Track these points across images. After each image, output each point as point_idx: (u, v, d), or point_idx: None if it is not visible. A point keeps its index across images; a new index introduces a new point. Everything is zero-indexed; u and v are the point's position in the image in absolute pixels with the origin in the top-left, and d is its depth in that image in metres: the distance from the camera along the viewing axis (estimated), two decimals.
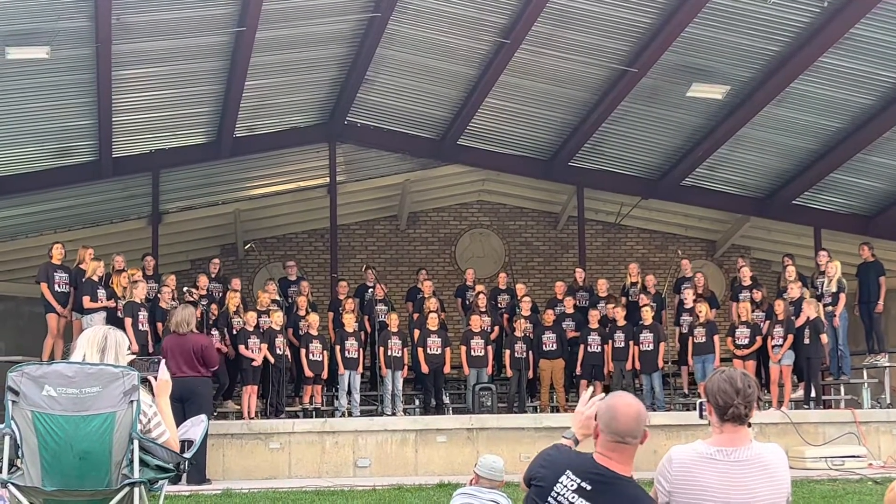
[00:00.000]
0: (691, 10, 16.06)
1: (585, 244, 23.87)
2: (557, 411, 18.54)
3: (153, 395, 5.74)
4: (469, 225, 25.11)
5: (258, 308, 17.91)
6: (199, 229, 23.57)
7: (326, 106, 21.52)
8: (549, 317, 19.26)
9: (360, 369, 18.29)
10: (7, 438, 5.42)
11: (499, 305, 20.38)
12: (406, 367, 18.52)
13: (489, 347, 18.69)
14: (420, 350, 18.35)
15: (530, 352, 18.86)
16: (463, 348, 18.67)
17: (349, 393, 17.87)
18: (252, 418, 16.64)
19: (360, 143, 22.75)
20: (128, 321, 16.20)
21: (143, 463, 5.49)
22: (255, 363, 16.95)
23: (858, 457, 15.86)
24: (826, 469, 15.26)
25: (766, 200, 22.97)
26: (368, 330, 19.18)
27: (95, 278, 16.85)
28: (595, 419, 4.81)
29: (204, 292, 18.21)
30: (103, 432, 5.41)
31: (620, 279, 21.88)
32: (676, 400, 19.59)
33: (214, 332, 17.21)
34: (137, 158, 21.11)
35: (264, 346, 17.16)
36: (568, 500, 4.63)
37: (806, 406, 17.52)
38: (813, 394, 17.54)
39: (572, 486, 4.64)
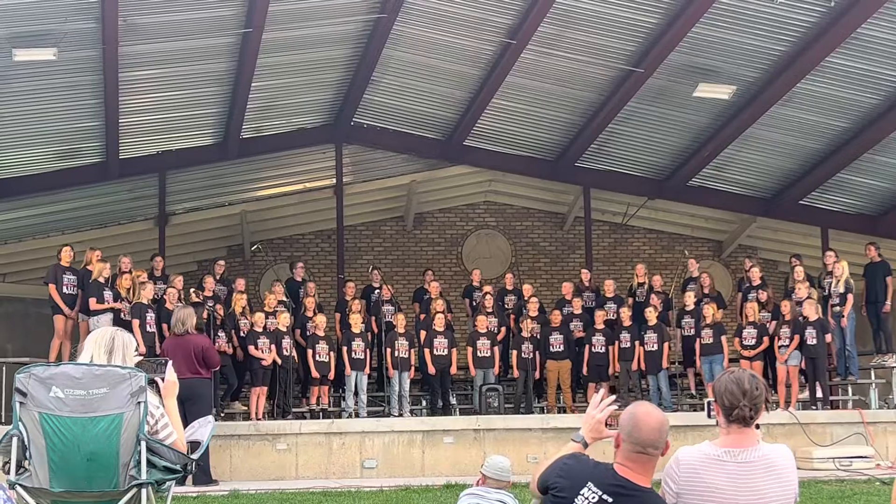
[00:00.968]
0: (697, 11, 16.05)
1: (592, 245, 23.85)
2: (564, 412, 18.53)
3: (160, 396, 5.74)
4: (475, 226, 25.10)
5: (265, 309, 17.91)
6: (205, 230, 23.59)
7: (333, 107, 21.54)
8: (556, 317, 19.26)
9: (367, 370, 18.30)
10: (15, 440, 5.43)
11: (506, 306, 20.37)
12: (413, 368, 18.53)
13: (496, 348, 18.68)
14: (427, 351, 18.34)
15: (537, 352, 18.85)
16: (470, 349, 18.67)
17: (356, 394, 17.88)
18: (259, 419, 16.65)
19: (367, 143, 22.76)
20: (135, 322, 16.23)
21: (150, 464, 5.50)
22: (264, 362, 16.96)
23: (866, 457, 15.84)
24: (834, 470, 15.24)
25: (773, 200, 22.94)
26: (375, 331, 19.18)
27: (102, 280, 16.87)
28: (609, 425, 4.80)
29: (210, 294, 18.22)
30: (111, 434, 5.42)
31: (627, 279, 21.85)
32: (684, 401, 19.57)
33: (221, 333, 17.23)
34: (144, 160, 21.14)
35: (272, 346, 17.17)
36: None
37: (813, 407, 17.49)
38: (820, 394, 17.51)
39: (593, 498, 4.61)
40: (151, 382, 5.65)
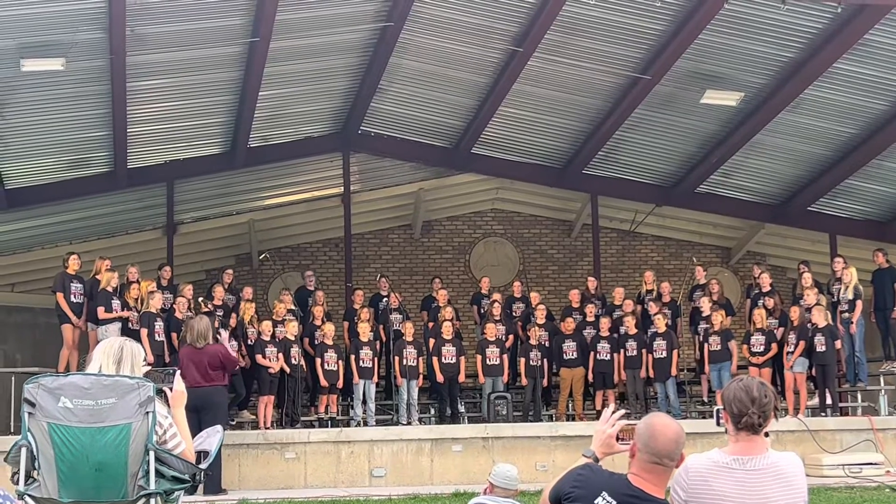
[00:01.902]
0: (704, 17, 16.04)
1: (600, 252, 23.83)
2: (573, 420, 18.51)
3: (169, 405, 5.75)
4: (483, 233, 25.10)
5: (273, 318, 17.93)
6: (213, 239, 23.62)
7: (340, 115, 21.56)
8: (568, 325, 19.23)
9: (376, 378, 18.30)
10: (24, 450, 5.43)
11: (514, 314, 20.36)
12: (421, 376, 18.52)
13: (504, 356, 18.67)
14: (435, 359, 18.33)
15: (545, 360, 18.83)
16: (478, 357, 18.66)
17: (364, 402, 17.87)
18: (268, 428, 16.65)
19: (374, 152, 22.78)
20: (143, 332, 16.26)
21: (159, 474, 5.50)
22: (271, 370, 16.97)
23: (876, 464, 15.79)
24: (843, 477, 15.19)
25: (781, 207, 22.91)
26: (383, 339, 19.18)
27: (110, 289, 16.90)
28: (621, 439, 4.79)
29: (219, 303, 18.24)
30: (119, 443, 5.42)
31: (635, 287, 21.83)
32: (693, 408, 19.54)
33: (233, 342, 17.24)
34: (152, 169, 21.18)
35: (281, 355, 17.19)
36: None
37: (822, 413, 17.45)
38: (829, 401, 17.48)
39: None
40: (160, 392, 5.65)
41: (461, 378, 18.67)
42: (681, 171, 22.18)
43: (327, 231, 24.10)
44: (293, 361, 17.37)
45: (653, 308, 19.08)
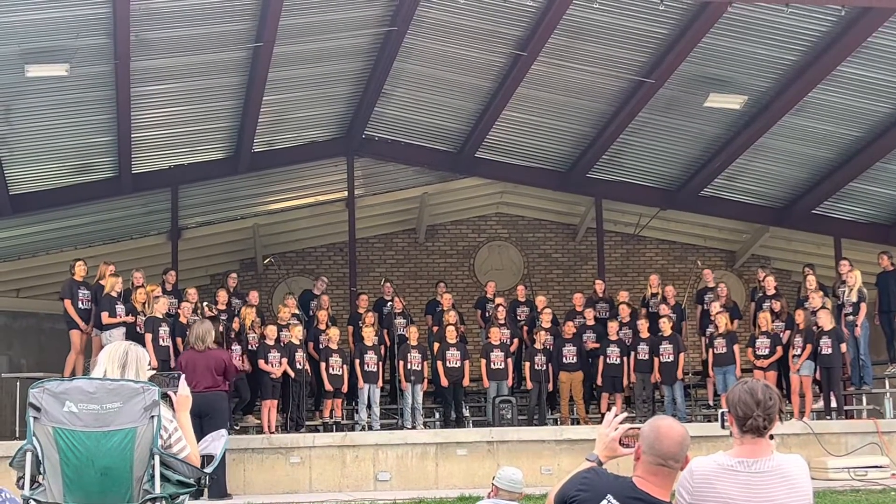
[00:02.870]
0: (708, 21, 16.04)
1: (604, 255, 23.84)
2: (578, 424, 18.50)
3: (173, 410, 5.75)
4: (487, 237, 25.10)
5: (278, 322, 17.94)
6: (218, 244, 23.64)
7: (344, 120, 21.58)
8: (569, 329, 19.23)
9: (380, 383, 18.29)
10: (29, 454, 5.44)
11: (518, 318, 20.36)
12: (426, 381, 18.51)
13: (509, 360, 18.66)
14: (439, 363, 18.33)
15: (550, 364, 18.82)
16: (483, 361, 18.65)
17: (369, 406, 17.87)
18: (272, 433, 16.65)
19: (378, 156, 22.80)
20: (148, 336, 16.26)
21: (164, 478, 5.50)
22: (273, 376, 16.98)
23: (881, 467, 15.78)
24: (849, 480, 15.19)
25: (786, 210, 22.90)
26: (388, 343, 19.18)
27: (115, 294, 16.92)
28: (625, 444, 4.79)
29: (223, 307, 18.25)
30: (124, 448, 5.42)
31: (640, 290, 21.82)
32: (699, 411, 19.52)
33: (236, 346, 17.25)
34: (157, 174, 21.20)
35: (284, 360, 17.19)
36: None
37: (828, 416, 17.43)
38: (834, 404, 17.47)
39: None
40: (164, 396, 5.66)
41: (465, 382, 18.65)
42: (685, 174, 22.18)
43: (332, 235, 24.12)
44: (298, 366, 17.37)
45: (663, 311, 19.05)
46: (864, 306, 18.25)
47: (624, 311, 19.47)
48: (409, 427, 17.69)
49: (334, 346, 18.05)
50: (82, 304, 17.11)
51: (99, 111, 17.92)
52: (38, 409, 5.45)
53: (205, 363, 14.47)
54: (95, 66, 16.26)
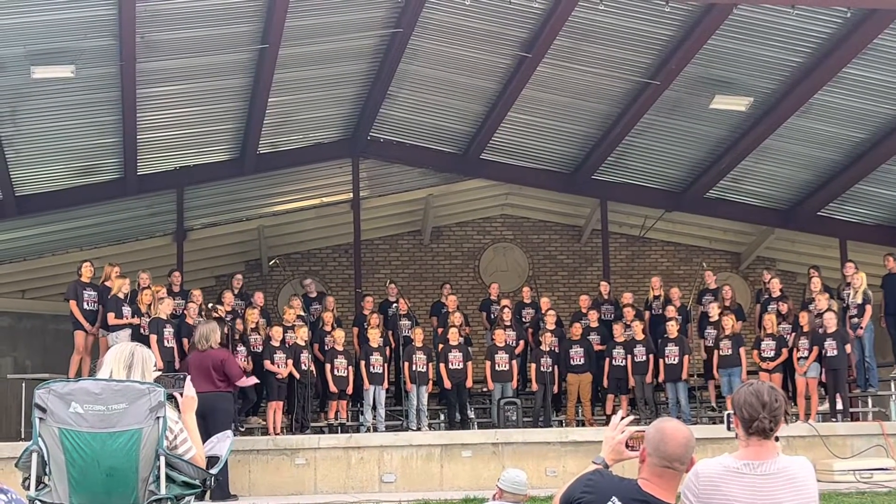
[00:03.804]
0: (713, 22, 16.04)
1: (609, 257, 23.83)
2: (583, 425, 18.49)
3: (179, 411, 5.76)
4: (493, 239, 25.10)
5: (283, 324, 17.94)
6: (223, 245, 23.66)
7: (349, 121, 21.59)
8: (576, 330, 19.22)
9: (385, 384, 18.30)
10: (35, 455, 5.44)
11: (523, 319, 20.36)
12: (431, 382, 18.52)
13: (514, 362, 18.65)
14: (442, 365, 18.33)
15: (556, 366, 18.81)
16: (488, 363, 18.64)
17: (374, 408, 17.87)
18: (277, 434, 16.66)
19: (383, 158, 22.81)
20: (153, 338, 16.27)
21: (169, 479, 5.50)
22: (279, 377, 16.99)
23: (887, 469, 15.74)
24: (854, 482, 15.16)
25: (791, 212, 22.89)
26: (393, 345, 19.18)
27: (121, 295, 16.94)
28: (630, 447, 4.79)
29: (229, 308, 18.27)
30: (130, 449, 5.43)
31: (645, 292, 21.82)
32: (704, 413, 19.51)
33: (241, 348, 17.26)
34: (162, 175, 21.23)
35: (289, 361, 17.19)
36: None
37: (833, 419, 17.41)
38: (840, 406, 17.44)
39: None
40: (170, 397, 5.66)
41: (468, 384, 18.65)
42: (690, 176, 22.17)
43: (337, 237, 24.13)
44: (303, 367, 17.38)
45: (670, 313, 19.03)
46: (868, 308, 18.23)
47: (629, 314, 19.45)
48: (415, 428, 17.69)
49: (340, 348, 18.06)
50: (88, 304, 17.14)
51: (105, 112, 17.95)
52: (43, 410, 5.45)
53: (206, 364, 14.47)
54: (101, 68, 16.28)
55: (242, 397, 16.97)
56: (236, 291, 19.24)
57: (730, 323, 18.21)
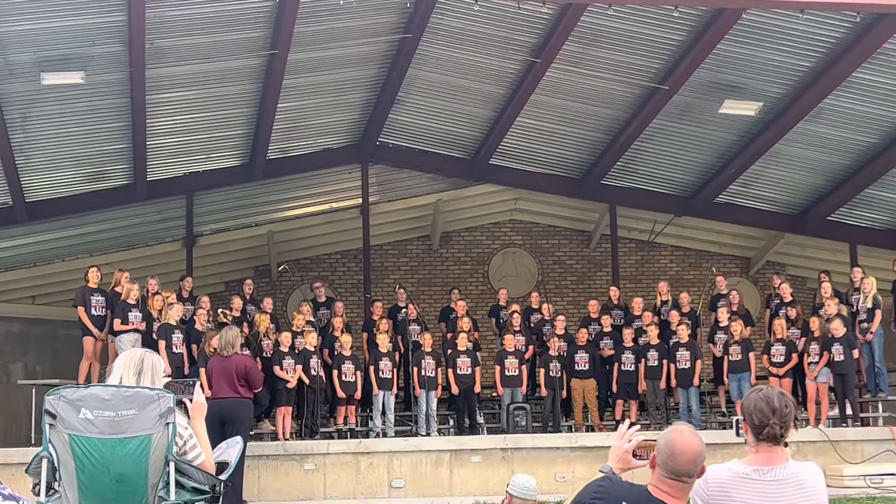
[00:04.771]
0: (722, 27, 16.02)
1: (619, 262, 23.81)
2: (592, 431, 18.47)
3: (188, 417, 5.76)
4: (502, 244, 25.10)
5: (293, 329, 17.95)
6: (233, 251, 23.69)
7: (358, 127, 21.61)
8: (582, 336, 19.21)
9: (395, 390, 18.29)
10: (45, 461, 5.45)
11: (532, 325, 20.35)
12: (440, 387, 18.51)
13: (523, 367, 18.64)
14: (450, 371, 18.32)
15: (564, 371, 18.80)
16: (497, 368, 18.63)
17: (383, 413, 17.87)
18: (287, 439, 16.66)
19: (392, 163, 22.81)
20: (161, 344, 16.28)
21: (179, 485, 5.51)
22: (289, 384, 16.99)
23: None
24: (864, 487, 15.12)
25: (801, 217, 22.84)
26: (402, 350, 19.19)
27: (132, 301, 16.96)
28: (638, 455, 4.78)
29: (238, 314, 18.28)
30: (140, 455, 5.44)
31: (654, 297, 21.78)
32: (714, 419, 19.47)
33: (246, 352, 17.25)
34: (171, 181, 21.25)
35: (299, 367, 17.20)
36: None
37: (843, 424, 17.37)
38: (850, 411, 17.40)
39: None
40: (179, 403, 5.67)
41: (477, 389, 18.64)
42: (699, 181, 22.14)
43: (346, 242, 24.14)
44: (312, 372, 17.39)
45: (674, 318, 19.02)
46: (878, 313, 18.19)
47: (647, 318, 19.44)
48: (424, 434, 17.69)
49: (346, 353, 18.06)
50: (96, 310, 17.14)
51: (114, 119, 17.98)
52: (53, 416, 5.46)
53: (229, 369, 14.47)
54: (111, 74, 16.32)
55: (254, 402, 16.99)
56: (247, 297, 19.26)
57: (738, 328, 18.18)
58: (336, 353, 18.24)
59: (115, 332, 16.78)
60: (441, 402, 18.87)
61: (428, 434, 17.66)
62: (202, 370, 15.38)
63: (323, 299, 20.64)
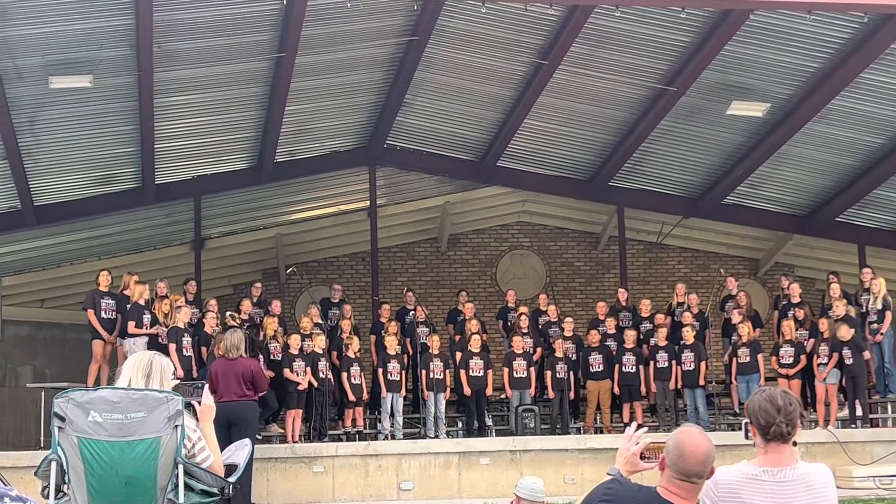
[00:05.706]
0: (730, 28, 16.00)
1: (627, 264, 23.78)
2: (601, 432, 18.46)
3: (197, 419, 5.77)
4: (509, 246, 25.09)
5: (301, 332, 17.96)
6: (241, 254, 23.71)
7: (366, 130, 21.61)
8: (594, 337, 19.20)
9: (403, 392, 18.30)
10: (54, 464, 5.47)
11: (540, 326, 20.34)
12: (448, 390, 18.51)
13: (532, 369, 18.64)
14: (462, 372, 18.32)
15: (571, 372, 18.80)
16: (505, 370, 18.63)
17: (392, 416, 17.88)
18: (296, 442, 16.68)
19: (400, 166, 22.81)
20: (172, 346, 16.29)
21: (188, 487, 5.52)
22: (300, 387, 17.00)
23: None
24: (874, 488, 15.10)
25: (809, 218, 22.79)
26: (410, 352, 19.19)
27: (142, 302, 16.99)
28: (646, 458, 4.78)
29: (246, 317, 18.30)
30: (148, 457, 5.45)
31: (662, 299, 21.77)
32: (723, 420, 19.44)
33: (260, 356, 17.26)
34: (180, 185, 21.26)
35: (308, 369, 17.21)
36: None
37: (853, 425, 17.34)
38: (859, 412, 17.37)
39: None
40: (188, 406, 5.68)
41: (488, 391, 18.65)
42: (707, 182, 22.10)
43: (354, 245, 24.16)
44: (321, 375, 17.40)
45: (687, 319, 19.01)
46: (888, 314, 18.16)
47: (659, 319, 19.43)
48: (432, 436, 17.69)
49: (352, 356, 18.06)
50: (105, 313, 17.17)
51: (122, 122, 18.01)
52: (62, 419, 5.48)
53: (236, 372, 14.47)
54: (119, 78, 16.34)
55: (263, 405, 16.99)
56: (255, 300, 19.28)
57: (746, 330, 18.17)
58: (344, 355, 18.24)
59: (129, 335, 16.79)
60: (449, 404, 18.86)
61: (436, 436, 17.67)
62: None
63: (337, 300, 20.63)
